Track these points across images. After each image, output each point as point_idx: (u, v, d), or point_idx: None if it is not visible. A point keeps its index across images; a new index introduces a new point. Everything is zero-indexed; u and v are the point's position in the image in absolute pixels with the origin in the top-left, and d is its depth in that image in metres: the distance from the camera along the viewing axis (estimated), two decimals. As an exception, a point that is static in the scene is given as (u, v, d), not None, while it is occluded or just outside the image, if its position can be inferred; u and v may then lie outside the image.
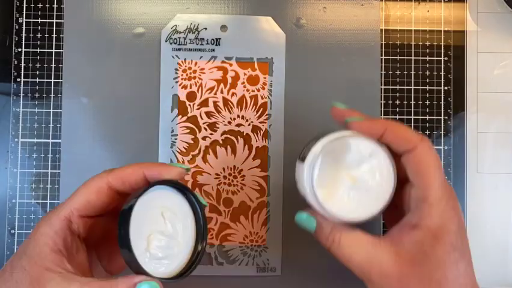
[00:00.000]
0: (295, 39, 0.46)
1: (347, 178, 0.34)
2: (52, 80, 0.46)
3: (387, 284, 0.33)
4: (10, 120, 0.45)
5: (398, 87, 0.46)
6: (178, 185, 0.34)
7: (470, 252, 0.33)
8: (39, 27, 0.46)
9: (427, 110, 0.46)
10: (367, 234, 0.34)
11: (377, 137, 0.34)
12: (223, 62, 0.45)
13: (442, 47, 0.46)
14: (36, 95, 0.45)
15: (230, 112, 0.45)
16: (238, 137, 0.45)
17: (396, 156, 0.34)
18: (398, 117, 0.46)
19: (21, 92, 0.46)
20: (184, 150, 0.45)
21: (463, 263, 0.32)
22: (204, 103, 0.45)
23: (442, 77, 0.46)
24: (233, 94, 0.45)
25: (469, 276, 0.33)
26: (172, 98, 0.45)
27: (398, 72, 0.46)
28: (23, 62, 0.46)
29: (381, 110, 0.46)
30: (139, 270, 0.31)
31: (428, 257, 0.32)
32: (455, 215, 0.33)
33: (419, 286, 0.32)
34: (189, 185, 0.45)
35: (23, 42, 0.46)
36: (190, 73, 0.45)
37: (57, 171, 0.45)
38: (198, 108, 0.45)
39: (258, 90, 0.45)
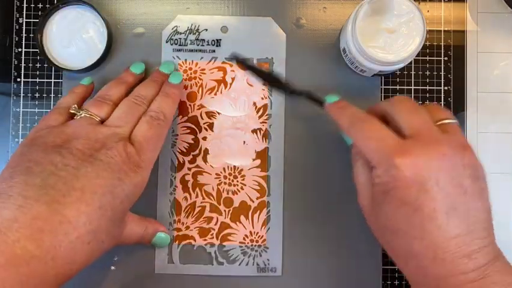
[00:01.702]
0: (295, 39, 0.46)
1: (385, 29, 0.41)
2: (52, 80, 0.46)
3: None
4: (10, 120, 0.45)
5: (398, 87, 0.46)
6: None
7: (437, 208, 0.33)
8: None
9: (427, 110, 0.46)
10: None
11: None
12: (223, 62, 0.45)
13: (442, 47, 0.46)
14: (36, 95, 0.45)
15: (230, 113, 0.45)
16: (239, 137, 0.45)
17: None
18: (398, 117, 0.46)
19: (21, 92, 0.45)
20: (185, 150, 0.45)
21: (417, 217, 0.33)
22: (205, 103, 0.45)
23: (442, 77, 0.46)
24: (233, 94, 0.45)
25: (426, 230, 0.33)
26: (172, 98, 0.45)
27: (398, 72, 0.46)
28: (23, 62, 0.46)
29: (381, 110, 0.46)
30: None
31: (381, 209, 0.35)
32: (400, 170, 0.33)
33: (378, 228, 0.37)
34: (189, 185, 0.45)
35: (23, 42, 0.46)
36: (191, 74, 0.45)
37: (57, 171, 0.45)
38: (199, 109, 0.45)
39: (258, 90, 0.45)
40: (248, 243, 0.44)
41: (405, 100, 0.37)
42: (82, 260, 0.33)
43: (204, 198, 0.45)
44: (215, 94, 0.45)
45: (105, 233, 0.35)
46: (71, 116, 0.39)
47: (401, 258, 0.35)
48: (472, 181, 0.33)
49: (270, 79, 0.44)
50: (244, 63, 0.44)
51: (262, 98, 0.45)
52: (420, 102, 0.46)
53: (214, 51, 0.45)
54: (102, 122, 0.39)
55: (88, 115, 0.38)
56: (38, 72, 0.46)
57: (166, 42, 0.45)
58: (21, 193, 0.32)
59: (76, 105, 0.40)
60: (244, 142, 0.45)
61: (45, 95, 0.45)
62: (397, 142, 0.34)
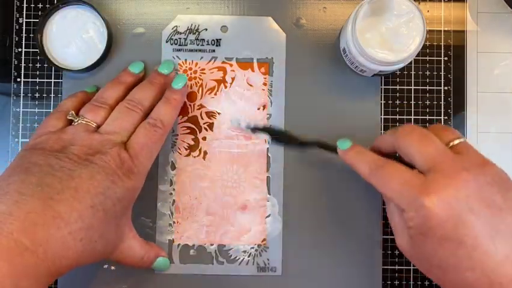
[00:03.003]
0: (295, 39, 0.46)
1: (384, 29, 0.41)
2: (52, 80, 0.46)
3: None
4: (10, 120, 0.45)
5: (398, 87, 0.46)
6: None
7: (479, 236, 0.32)
8: (39, 27, 0.46)
9: (427, 110, 0.46)
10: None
11: None
12: (223, 62, 0.45)
13: (442, 47, 0.46)
14: (36, 95, 0.45)
15: (230, 113, 0.45)
16: (238, 137, 0.45)
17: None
18: (398, 117, 0.46)
19: (21, 92, 0.45)
20: (185, 150, 0.45)
21: (462, 250, 0.32)
22: (205, 103, 0.45)
23: (442, 77, 0.46)
24: (233, 94, 0.45)
25: (475, 259, 0.32)
26: (172, 98, 0.45)
27: (398, 72, 0.46)
28: (23, 62, 0.46)
29: (381, 110, 0.46)
30: None
31: (423, 249, 0.35)
32: (430, 209, 0.33)
33: (424, 266, 0.36)
34: (189, 185, 0.45)
35: (23, 42, 0.46)
36: (191, 73, 0.45)
37: (57, 171, 0.45)
38: (199, 109, 0.45)
39: (258, 90, 0.45)
40: (248, 242, 0.44)
41: (412, 131, 0.37)
42: (73, 256, 0.34)
43: (203, 198, 0.45)
44: (215, 94, 0.45)
45: (97, 233, 0.35)
46: (70, 121, 0.40)
47: None
48: (501, 195, 0.33)
49: (279, 136, 0.45)
50: (255, 129, 0.45)
51: (263, 98, 0.45)
52: (421, 102, 0.46)
53: (214, 51, 0.45)
54: (99, 126, 0.40)
55: (84, 122, 0.39)
56: (38, 72, 0.46)
57: (166, 42, 0.45)
58: (17, 190, 0.34)
59: (73, 112, 0.40)
60: (244, 142, 0.45)
61: (45, 95, 0.45)
62: (420, 181, 0.34)
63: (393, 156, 0.39)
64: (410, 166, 0.36)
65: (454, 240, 0.33)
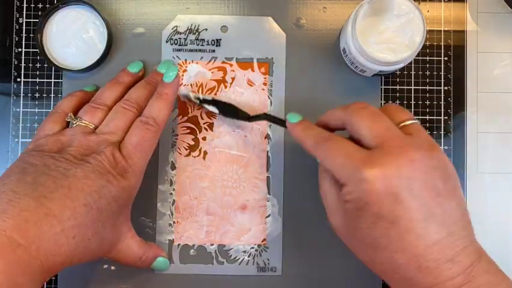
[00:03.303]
0: (295, 39, 0.46)
1: (384, 29, 0.41)
2: (52, 80, 0.46)
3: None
4: (10, 120, 0.45)
5: (398, 87, 0.46)
6: None
7: (410, 217, 0.32)
8: (39, 27, 0.46)
9: (427, 110, 0.46)
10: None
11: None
12: (223, 62, 0.45)
13: (442, 47, 0.46)
14: (36, 95, 0.45)
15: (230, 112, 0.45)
16: (238, 137, 0.45)
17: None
18: (398, 117, 0.46)
19: (21, 92, 0.45)
20: (185, 150, 0.45)
21: (395, 230, 0.32)
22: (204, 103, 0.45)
23: (442, 77, 0.46)
24: (233, 94, 0.45)
25: (406, 241, 0.32)
26: (172, 98, 0.45)
27: (398, 72, 0.46)
28: (23, 62, 0.46)
29: (381, 110, 0.46)
30: None
31: (357, 226, 0.34)
32: (371, 183, 0.32)
33: (356, 246, 0.36)
34: (189, 185, 0.45)
35: (23, 42, 0.46)
36: (191, 73, 0.45)
37: (57, 171, 0.45)
38: (199, 109, 0.45)
39: (258, 90, 0.45)
40: (248, 242, 0.44)
41: (363, 108, 0.36)
42: (66, 253, 0.34)
43: (203, 198, 0.45)
44: (215, 94, 0.45)
45: (91, 231, 0.36)
46: (68, 123, 0.41)
47: (386, 273, 0.34)
48: (443, 181, 0.33)
49: (224, 109, 0.44)
50: (204, 100, 0.44)
51: (262, 98, 0.45)
52: (421, 102, 0.46)
53: (214, 51, 0.45)
54: (97, 127, 0.40)
55: (83, 124, 0.40)
56: (38, 72, 0.46)
57: (166, 42, 0.45)
58: (12, 189, 0.34)
59: (71, 114, 0.41)
60: (244, 142, 0.45)
61: (45, 95, 0.45)
62: (364, 155, 0.33)
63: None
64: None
65: (388, 220, 0.32)
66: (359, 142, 0.35)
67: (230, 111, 0.44)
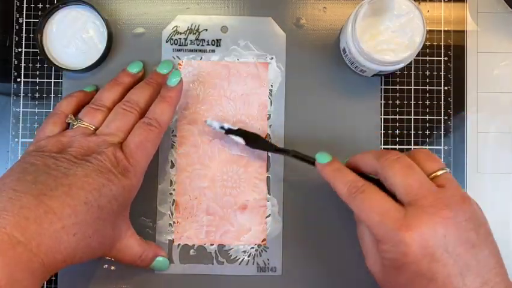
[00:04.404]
0: (295, 39, 0.46)
1: (384, 29, 0.41)
2: (52, 80, 0.46)
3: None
4: (10, 120, 0.45)
5: (398, 87, 0.46)
6: None
7: (448, 272, 0.33)
8: (39, 27, 0.46)
9: (427, 110, 0.46)
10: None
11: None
12: (223, 62, 0.45)
13: (442, 47, 0.46)
14: (36, 95, 0.45)
15: (230, 112, 0.45)
16: (238, 137, 0.45)
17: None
18: (398, 117, 0.46)
19: (21, 92, 0.46)
20: (185, 151, 0.45)
21: (433, 286, 0.33)
22: (205, 103, 0.45)
23: (442, 77, 0.46)
24: (233, 94, 0.45)
25: None
26: (172, 98, 0.45)
27: (398, 72, 0.46)
28: (23, 62, 0.46)
29: (381, 110, 0.46)
30: None
31: (395, 279, 0.35)
32: (408, 246, 0.33)
33: None
34: (189, 185, 0.45)
35: (23, 42, 0.46)
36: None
37: (57, 171, 0.45)
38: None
39: (258, 90, 0.45)
40: (248, 242, 0.44)
41: (396, 160, 0.36)
42: (67, 251, 0.34)
43: (203, 198, 0.45)
44: (215, 94, 0.45)
45: (92, 229, 0.36)
46: (68, 124, 0.41)
47: None
48: (476, 232, 0.34)
49: (250, 139, 0.43)
50: (230, 131, 0.43)
51: (262, 98, 0.45)
52: (421, 102, 0.46)
53: (214, 51, 0.45)
54: (97, 129, 0.40)
55: (83, 125, 0.40)
56: (38, 72, 0.46)
57: (166, 42, 0.45)
58: (12, 187, 0.35)
59: (71, 116, 0.41)
60: (244, 142, 0.45)
61: (45, 95, 0.45)
62: (400, 215, 0.34)
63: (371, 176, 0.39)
64: (389, 191, 0.36)
65: (426, 277, 0.33)
66: (392, 193, 0.36)
67: (256, 141, 0.43)
